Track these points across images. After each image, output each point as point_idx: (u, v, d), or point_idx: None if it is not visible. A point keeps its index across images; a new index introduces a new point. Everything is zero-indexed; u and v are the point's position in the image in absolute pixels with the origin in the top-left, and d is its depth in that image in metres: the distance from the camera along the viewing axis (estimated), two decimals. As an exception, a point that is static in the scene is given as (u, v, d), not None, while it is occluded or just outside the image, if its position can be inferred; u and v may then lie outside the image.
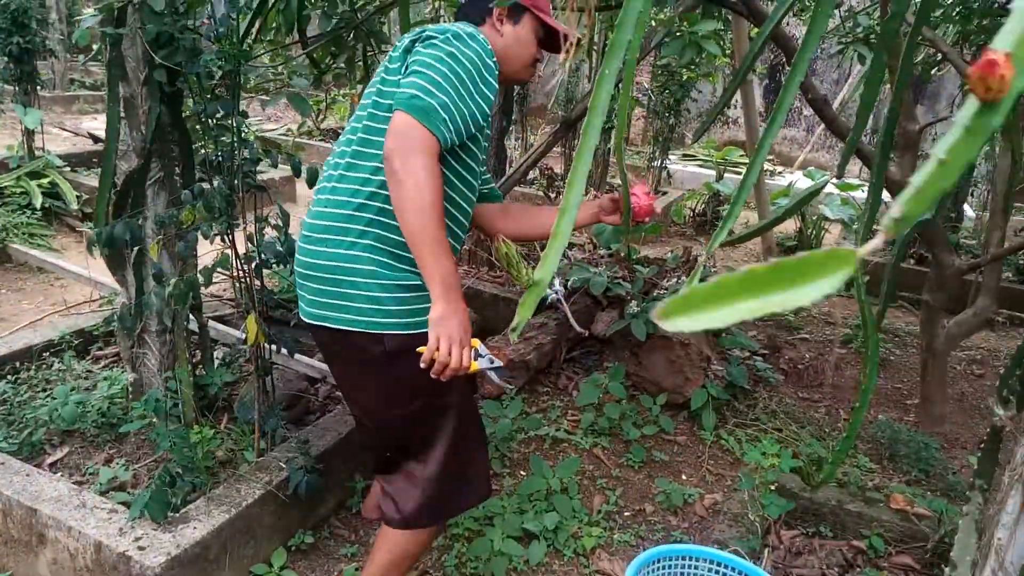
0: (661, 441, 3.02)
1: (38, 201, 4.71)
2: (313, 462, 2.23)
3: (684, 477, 2.84)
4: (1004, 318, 4.74)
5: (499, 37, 1.72)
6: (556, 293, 3.75)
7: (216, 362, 2.80)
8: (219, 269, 2.14)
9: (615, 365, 3.26)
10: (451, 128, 1.51)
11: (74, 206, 4.87)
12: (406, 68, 1.58)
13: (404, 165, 1.44)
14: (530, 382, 3.38)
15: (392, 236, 1.60)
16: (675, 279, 3.76)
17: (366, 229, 1.60)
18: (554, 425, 3.05)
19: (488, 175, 2.06)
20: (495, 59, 1.63)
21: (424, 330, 1.49)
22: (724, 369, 3.41)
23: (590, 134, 1.17)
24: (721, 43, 2.64)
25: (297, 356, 2.79)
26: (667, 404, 3.15)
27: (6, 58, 5.00)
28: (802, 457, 2.84)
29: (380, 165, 1.55)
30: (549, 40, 1.78)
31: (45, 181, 4.95)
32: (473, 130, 1.59)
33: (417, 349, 1.49)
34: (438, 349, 1.45)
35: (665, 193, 6.86)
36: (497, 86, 1.63)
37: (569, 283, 3.83)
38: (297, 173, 2.31)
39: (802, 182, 6.71)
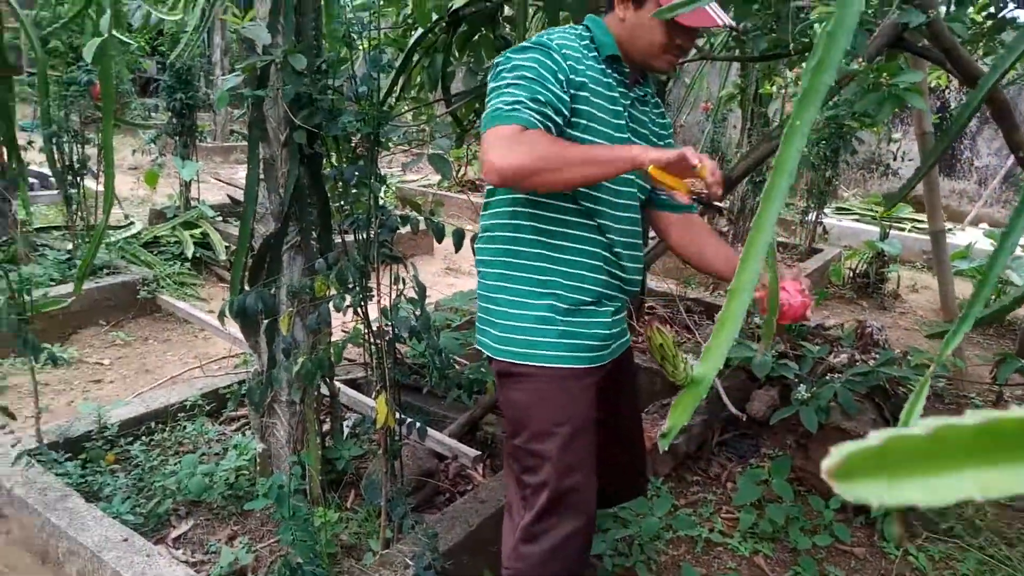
0: (835, 553, 2.59)
1: (190, 251, 4.87)
2: (441, 559, 2.00)
3: None
4: None
5: (621, 23, 1.61)
6: (706, 365, 3.40)
7: (346, 431, 2.66)
8: (351, 344, 1.98)
9: (779, 456, 2.87)
10: (524, 113, 1.43)
11: (222, 256, 5.01)
12: None
13: (504, 160, 1.38)
14: (677, 468, 3.03)
15: (502, 270, 1.66)
16: (845, 356, 3.33)
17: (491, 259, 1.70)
18: (707, 524, 2.69)
19: None
20: (562, 51, 1.54)
21: (523, 362, 1.62)
22: (907, 465, 2.95)
23: (774, 199, 0.90)
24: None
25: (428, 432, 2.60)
26: (841, 507, 2.72)
27: (170, 112, 5.27)
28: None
29: (488, 200, 1.70)
30: (684, 28, 1.58)
31: (197, 231, 5.13)
32: (559, 108, 1.49)
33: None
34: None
35: (821, 251, 6.33)
36: (565, 66, 1.52)
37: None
38: (440, 238, 2.14)
39: (981, 242, 6.02)
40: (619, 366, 1.78)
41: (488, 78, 1.59)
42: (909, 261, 6.97)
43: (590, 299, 1.65)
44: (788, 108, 7.11)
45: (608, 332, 1.68)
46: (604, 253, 1.64)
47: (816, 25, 2.07)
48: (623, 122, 1.62)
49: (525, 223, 1.61)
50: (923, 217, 6.62)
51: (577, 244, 1.62)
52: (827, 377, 2.93)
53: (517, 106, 1.43)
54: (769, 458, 3.15)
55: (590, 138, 1.56)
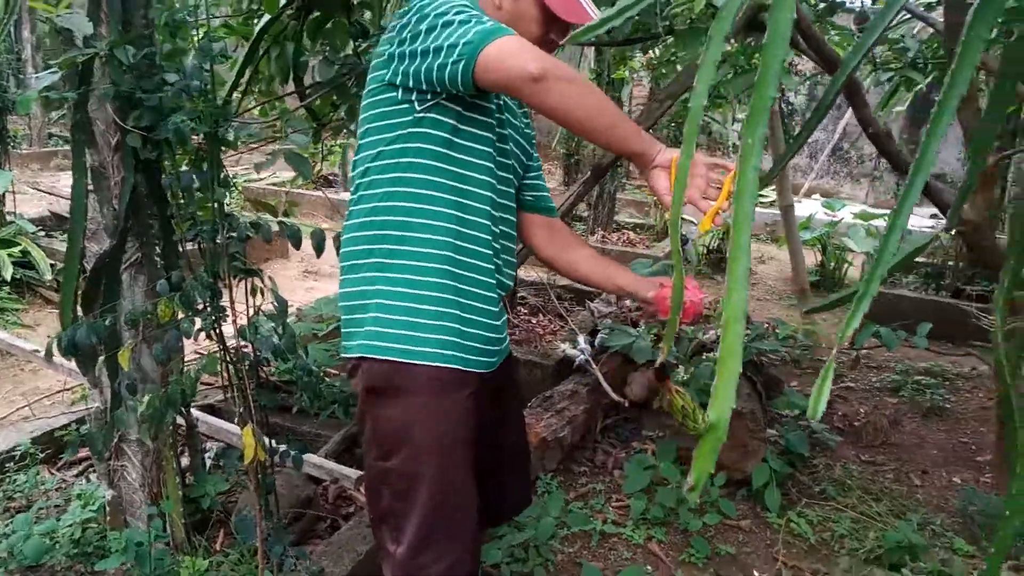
0: (724, 529, 2.63)
1: (8, 272, 4.32)
2: (330, 597, 1.84)
3: (756, 574, 2.45)
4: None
5: (497, 11, 1.50)
6: (583, 354, 3.38)
7: (208, 463, 2.41)
8: (206, 374, 1.76)
9: (662, 440, 2.89)
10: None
11: (48, 276, 4.49)
12: (398, 57, 1.39)
13: (542, 61, 1.28)
14: (564, 460, 2.99)
15: (380, 259, 1.47)
16: (713, 332, 3.41)
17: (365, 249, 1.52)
18: (599, 516, 2.65)
19: (541, 180, 1.76)
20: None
21: (407, 360, 1.44)
22: (778, 434, 3.05)
23: (743, 225, 0.84)
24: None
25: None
26: (725, 483, 2.77)
27: (-28, 118, 4.66)
28: (886, 543, 2.45)
29: (362, 183, 1.50)
30: (562, 23, 1.50)
31: (16, 250, 4.56)
32: None
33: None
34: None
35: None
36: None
37: (597, 342, 3.46)
38: (297, 244, 1.95)
39: (819, 213, 6.42)
40: (502, 373, 1.66)
41: (394, 29, 1.42)
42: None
43: (481, 292, 1.51)
44: (637, 91, 7.30)
45: (498, 334, 1.56)
46: (493, 244, 1.51)
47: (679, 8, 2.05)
48: (494, 106, 1.50)
49: (415, 206, 1.43)
50: (766, 192, 7.00)
51: (472, 231, 1.47)
52: (702, 356, 2.97)
53: (498, 24, 1.33)
54: (652, 440, 3.17)
55: (475, 116, 1.44)
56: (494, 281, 1.53)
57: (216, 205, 1.79)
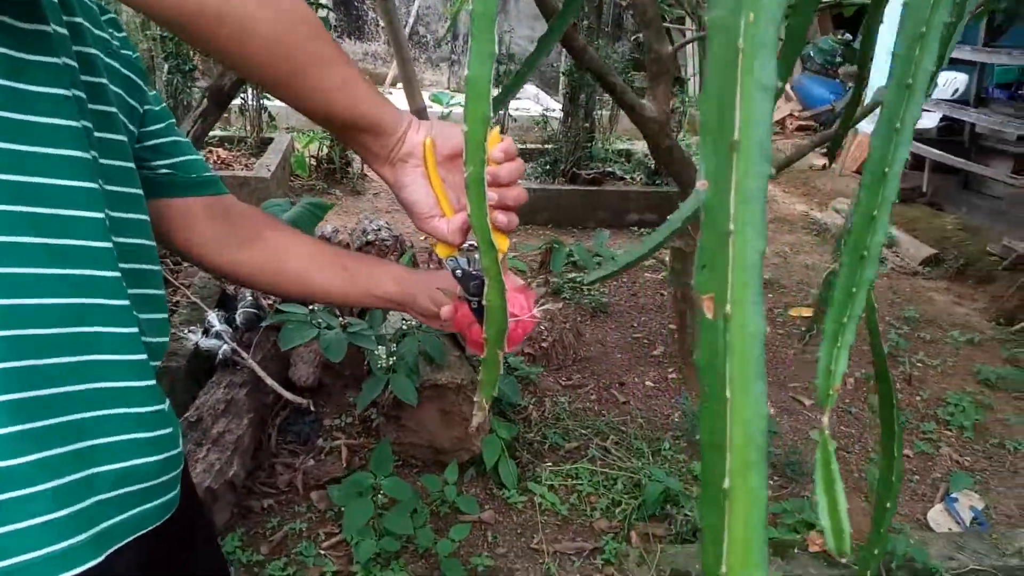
0: (473, 536, 2.12)
1: None
2: None
3: (524, 579, 2.01)
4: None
5: None
6: (224, 340, 2.50)
7: None
8: None
9: (360, 440, 2.23)
10: None
11: None
12: None
13: None
14: (239, 501, 2.16)
15: None
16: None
17: None
18: (315, 571, 1.94)
19: (179, 135, 0.88)
20: None
21: None
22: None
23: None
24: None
25: None
26: (459, 470, 2.24)
27: None
28: (646, 495, 2.19)
29: None
30: None
31: None
32: None
33: None
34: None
35: (271, 140, 5.57)
36: None
37: (238, 318, 2.60)
38: None
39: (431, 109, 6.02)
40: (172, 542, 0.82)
41: None
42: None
43: (111, 385, 0.73)
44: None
45: (156, 455, 0.74)
46: (121, 281, 0.72)
47: None
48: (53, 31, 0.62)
49: None
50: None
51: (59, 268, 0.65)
52: (392, 322, 2.34)
53: None
54: (340, 432, 2.49)
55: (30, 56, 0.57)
56: (141, 356, 0.72)
57: None
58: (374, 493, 2.01)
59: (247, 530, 2.08)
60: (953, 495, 2.38)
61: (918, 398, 3.00)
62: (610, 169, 5.41)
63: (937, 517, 2.30)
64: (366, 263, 0.96)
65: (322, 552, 2.02)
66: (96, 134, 0.69)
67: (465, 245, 0.80)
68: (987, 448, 2.70)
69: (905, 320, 3.71)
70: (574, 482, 2.33)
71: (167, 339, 0.82)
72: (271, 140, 5.56)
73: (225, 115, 6.58)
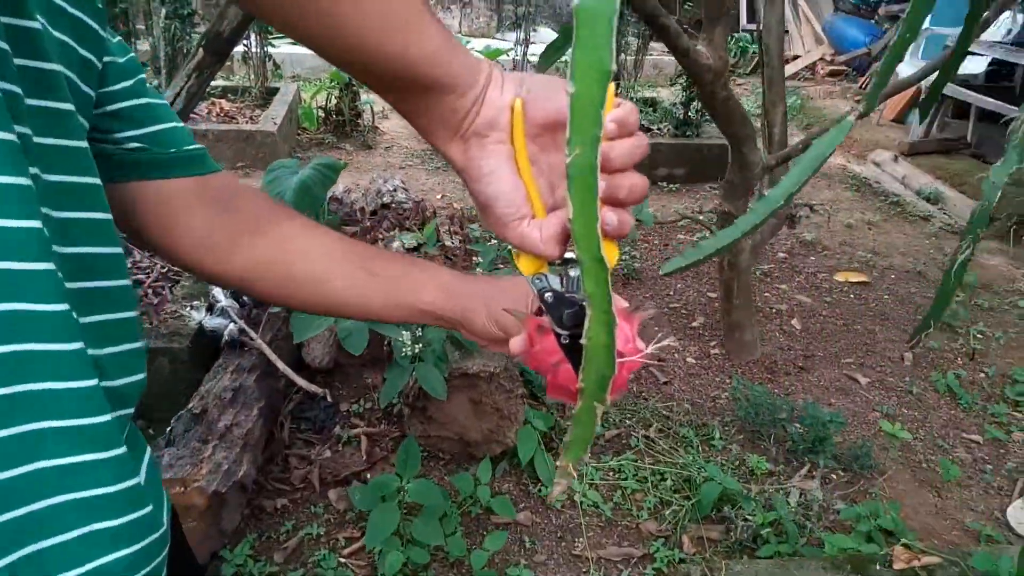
0: (511, 543, 1.92)
1: None
2: None
3: (566, 592, 1.81)
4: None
5: None
6: (230, 318, 2.28)
7: None
8: None
9: (407, 440, 2.02)
10: None
11: None
12: None
13: None
14: (251, 502, 1.97)
15: None
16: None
17: None
18: (337, 589, 1.75)
19: (152, 96, 0.63)
20: None
21: None
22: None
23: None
24: None
25: None
26: (491, 469, 2.03)
27: None
28: (701, 496, 1.98)
29: None
30: None
31: None
32: None
33: None
34: None
35: (278, 90, 5.26)
36: None
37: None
38: None
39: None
40: None
41: None
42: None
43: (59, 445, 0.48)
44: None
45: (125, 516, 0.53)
46: (71, 312, 0.47)
47: None
48: None
49: None
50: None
51: None
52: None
53: None
54: (360, 419, 2.28)
55: None
56: (102, 417, 0.49)
57: None
58: (400, 497, 1.80)
59: (259, 535, 1.89)
60: (1035, 490, 2.16)
61: (982, 375, 2.76)
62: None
63: (1018, 515, 2.08)
64: (400, 263, 0.71)
65: (343, 560, 1.83)
66: (28, 102, 0.44)
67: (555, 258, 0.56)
68: (1065, 433, 2.47)
69: (962, 286, 3.44)
70: (617, 477, 2.12)
71: (143, 375, 0.58)
72: (276, 90, 5.25)
73: (228, 63, 6.28)
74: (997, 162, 1.14)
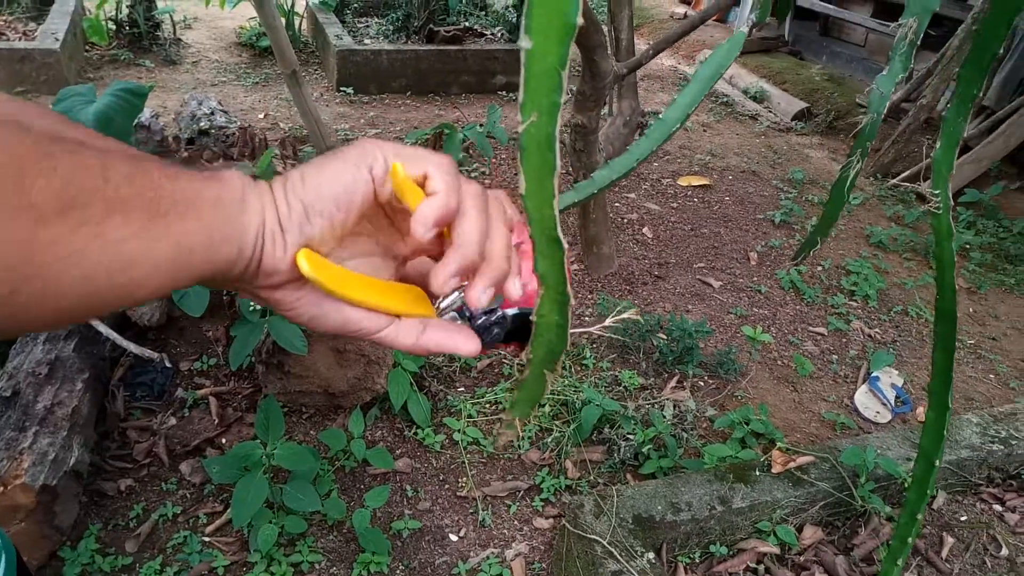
0: (392, 492, 1.80)
1: None
2: None
3: (454, 537, 1.74)
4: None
5: None
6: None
7: None
8: None
9: (244, 392, 1.82)
10: None
11: None
12: None
13: None
14: (88, 487, 1.71)
15: None
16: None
17: None
18: (203, 569, 1.57)
19: None
20: None
21: None
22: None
23: None
24: None
25: None
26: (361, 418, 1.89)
27: None
28: (582, 419, 1.95)
29: None
30: None
31: None
32: None
33: None
34: None
35: (53, 1, 4.51)
36: None
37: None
38: None
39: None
40: None
41: None
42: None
43: None
44: None
45: None
46: None
47: None
48: None
49: None
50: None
51: None
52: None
53: None
54: (205, 376, 2.05)
55: None
56: None
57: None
58: (265, 464, 1.62)
59: (104, 524, 1.66)
60: (875, 374, 2.32)
61: (820, 268, 2.93)
62: (468, 23, 4.85)
63: (864, 400, 2.24)
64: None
65: (207, 540, 1.65)
66: None
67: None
68: (892, 317, 2.68)
69: (792, 183, 3.62)
70: (495, 410, 2.05)
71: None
72: (52, 0, 4.50)
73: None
74: (883, 71, 1.10)
